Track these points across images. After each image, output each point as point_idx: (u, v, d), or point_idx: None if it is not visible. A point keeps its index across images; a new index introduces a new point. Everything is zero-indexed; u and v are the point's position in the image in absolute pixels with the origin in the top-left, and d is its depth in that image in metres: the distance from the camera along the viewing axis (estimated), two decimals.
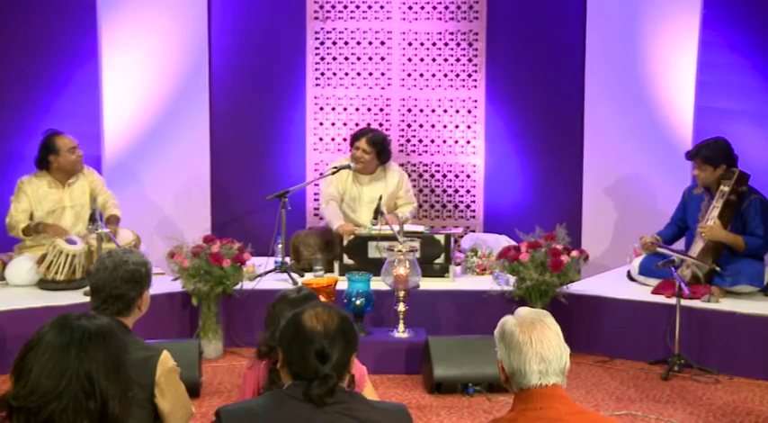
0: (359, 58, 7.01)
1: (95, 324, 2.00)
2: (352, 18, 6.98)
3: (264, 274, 5.71)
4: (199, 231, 6.01)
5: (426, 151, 7.06)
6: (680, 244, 5.85)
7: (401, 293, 5.14)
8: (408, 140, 7.06)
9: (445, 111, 7.02)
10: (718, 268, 5.40)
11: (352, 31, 6.99)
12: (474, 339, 4.93)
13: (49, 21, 6.42)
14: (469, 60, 6.96)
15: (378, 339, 5.15)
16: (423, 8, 6.96)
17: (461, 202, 7.08)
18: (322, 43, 6.98)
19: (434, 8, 6.95)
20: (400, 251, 5.15)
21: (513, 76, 6.97)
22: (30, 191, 5.69)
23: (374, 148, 6.10)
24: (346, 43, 6.99)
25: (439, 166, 7.07)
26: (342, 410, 2.17)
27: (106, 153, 6.55)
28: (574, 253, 5.35)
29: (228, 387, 4.87)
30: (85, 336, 1.95)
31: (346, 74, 7.02)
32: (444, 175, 7.07)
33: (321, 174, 6.39)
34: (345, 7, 6.97)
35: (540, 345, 2.25)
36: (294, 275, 5.72)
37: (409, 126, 7.06)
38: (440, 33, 6.97)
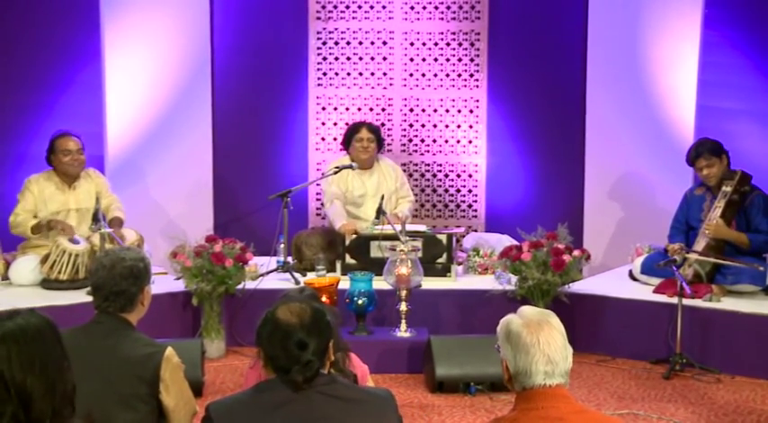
0: (361, 58, 7.02)
1: (15, 323, 1.86)
2: (354, 18, 6.99)
3: (267, 274, 5.72)
4: (201, 231, 6.01)
5: (428, 151, 7.08)
6: None
7: (403, 293, 5.14)
8: (410, 140, 7.07)
9: (447, 111, 7.03)
10: (761, 268, 5.37)
11: (354, 31, 7.00)
12: (476, 339, 4.93)
13: (53, 22, 6.43)
14: (471, 60, 6.97)
15: (380, 339, 5.16)
16: (424, 8, 6.96)
17: (463, 201, 7.09)
18: (324, 43, 6.99)
19: (436, 8, 6.96)
20: (402, 251, 5.16)
21: (514, 75, 6.98)
22: (36, 190, 5.70)
23: (375, 135, 6.22)
24: (348, 43, 7.00)
25: (441, 165, 7.08)
26: (323, 391, 2.25)
27: (109, 153, 6.56)
28: (575, 252, 5.36)
29: (231, 386, 4.88)
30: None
31: (348, 74, 7.03)
32: (446, 175, 7.08)
33: (323, 174, 6.38)
34: (347, 7, 6.98)
35: (548, 346, 2.25)
36: (296, 275, 5.72)
37: (411, 126, 7.07)
38: (442, 33, 6.98)
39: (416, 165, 7.08)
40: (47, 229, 5.59)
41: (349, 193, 6.26)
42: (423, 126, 7.06)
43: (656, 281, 5.61)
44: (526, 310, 2.36)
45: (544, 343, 2.25)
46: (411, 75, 7.02)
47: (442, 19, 6.96)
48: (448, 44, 6.98)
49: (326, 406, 2.24)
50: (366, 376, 3.22)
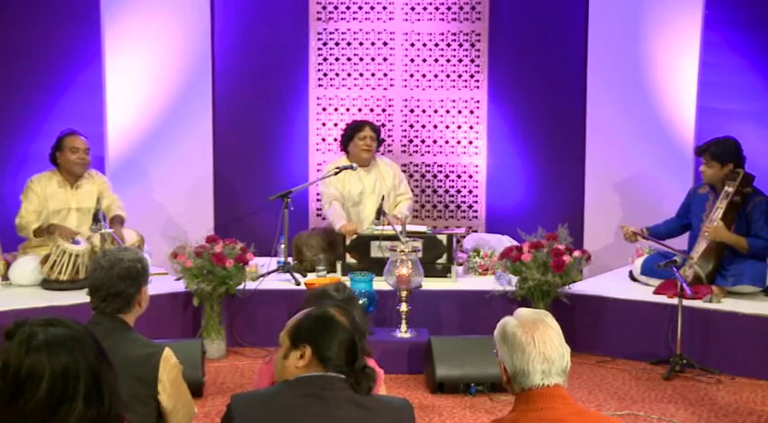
0: (361, 59, 7.02)
1: (80, 324, 1.82)
2: (354, 19, 7.00)
3: (267, 275, 5.73)
4: (202, 231, 6.02)
5: (429, 152, 7.08)
6: (682, 241, 5.85)
7: (404, 293, 5.15)
8: (411, 141, 7.08)
9: (447, 111, 7.04)
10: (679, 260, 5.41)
11: (354, 32, 7.00)
12: (476, 339, 4.93)
13: (54, 23, 6.44)
14: (472, 61, 6.98)
15: (380, 339, 5.16)
16: (425, 9, 6.97)
17: (464, 202, 7.09)
18: (325, 44, 7.00)
19: (437, 9, 6.96)
20: (403, 251, 5.17)
21: (515, 76, 6.99)
22: (39, 189, 5.70)
23: (377, 134, 6.25)
24: (349, 44, 7.01)
25: (441, 166, 7.08)
26: (351, 399, 2.27)
27: (110, 154, 6.56)
28: (576, 253, 5.36)
29: (231, 387, 4.88)
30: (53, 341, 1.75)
31: (349, 75, 7.03)
32: (447, 176, 7.09)
33: (324, 175, 6.38)
34: (348, 8, 6.98)
35: (543, 344, 2.26)
36: (297, 276, 5.73)
37: (412, 126, 7.07)
38: (442, 34, 6.98)
39: (417, 165, 7.09)
40: (47, 234, 5.60)
41: (347, 192, 6.26)
42: (423, 127, 7.06)
43: (657, 282, 5.61)
44: (521, 311, 2.37)
45: (539, 341, 2.26)
46: (411, 75, 7.03)
47: (443, 20, 6.97)
48: (448, 45, 6.99)
49: (349, 412, 2.26)
50: (381, 379, 3.21)
